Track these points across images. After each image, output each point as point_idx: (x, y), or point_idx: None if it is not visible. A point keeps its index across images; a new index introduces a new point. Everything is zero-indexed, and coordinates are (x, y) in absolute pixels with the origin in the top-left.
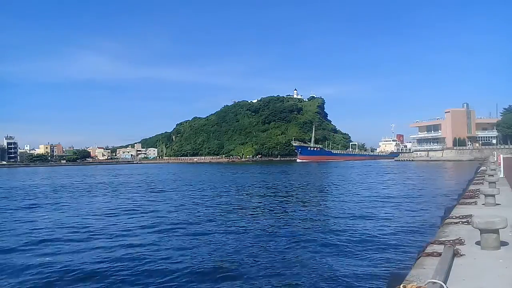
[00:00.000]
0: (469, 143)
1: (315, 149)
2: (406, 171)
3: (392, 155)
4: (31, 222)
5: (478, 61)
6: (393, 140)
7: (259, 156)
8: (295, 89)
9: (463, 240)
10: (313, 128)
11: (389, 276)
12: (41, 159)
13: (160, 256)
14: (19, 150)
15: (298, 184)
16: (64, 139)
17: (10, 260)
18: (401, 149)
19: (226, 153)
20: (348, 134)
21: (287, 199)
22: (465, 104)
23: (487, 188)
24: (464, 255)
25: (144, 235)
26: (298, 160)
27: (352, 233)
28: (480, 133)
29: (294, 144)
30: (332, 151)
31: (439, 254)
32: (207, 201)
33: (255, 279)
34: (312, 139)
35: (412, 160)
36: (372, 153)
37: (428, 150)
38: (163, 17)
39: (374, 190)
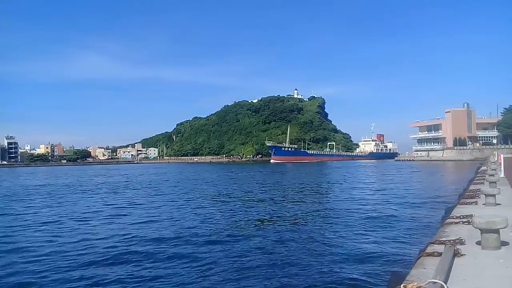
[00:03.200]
0: (470, 143)
1: (290, 149)
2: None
3: (371, 155)
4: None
5: (478, 60)
6: (372, 140)
7: (260, 156)
8: (296, 89)
9: (463, 240)
10: (288, 128)
11: (390, 276)
12: (42, 159)
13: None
14: (19, 150)
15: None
16: (64, 139)
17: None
18: (381, 149)
19: (226, 153)
20: (348, 134)
21: (283, 198)
22: (465, 104)
23: (487, 188)
24: (465, 255)
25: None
26: (272, 161)
27: (352, 233)
28: (481, 133)
29: (268, 144)
30: (308, 151)
31: (440, 254)
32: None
33: (253, 278)
34: (287, 139)
35: (413, 160)
36: (350, 154)
37: (428, 150)
38: (163, 17)
39: (373, 190)
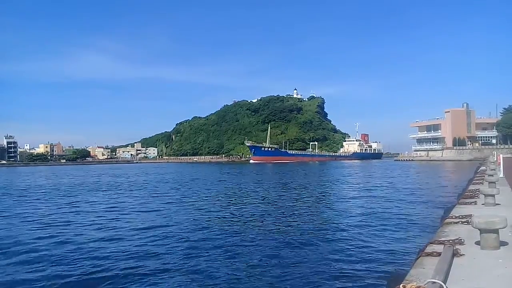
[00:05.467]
0: (469, 143)
1: (270, 149)
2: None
3: (355, 155)
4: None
5: (478, 60)
6: (356, 140)
7: None
8: (295, 89)
9: (462, 240)
10: (269, 127)
11: (389, 276)
12: (41, 158)
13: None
14: (19, 150)
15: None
16: (64, 139)
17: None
18: (365, 149)
19: (226, 152)
20: (347, 134)
21: (281, 200)
22: (465, 104)
23: (486, 188)
24: (464, 255)
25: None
26: (251, 161)
27: (351, 233)
28: (480, 133)
29: (247, 144)
30: (288, 151)
31: (439, 254)
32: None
33: (252, 277)
34: (268, 139)
35: (412, 160)
36: (333, 154)
37: (428, 150)
38: (163, 17)
39: (373, 190)
